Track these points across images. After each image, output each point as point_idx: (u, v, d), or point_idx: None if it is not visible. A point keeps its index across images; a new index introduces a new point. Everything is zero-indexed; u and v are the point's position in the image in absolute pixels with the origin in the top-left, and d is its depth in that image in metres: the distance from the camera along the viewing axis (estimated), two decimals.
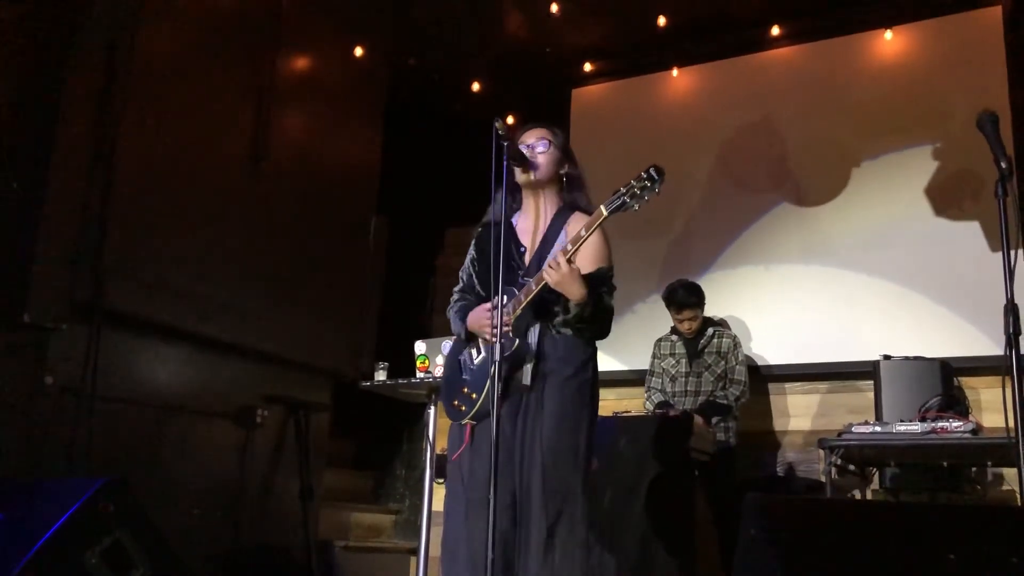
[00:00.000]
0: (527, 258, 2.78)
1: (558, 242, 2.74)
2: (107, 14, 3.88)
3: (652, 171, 2.47)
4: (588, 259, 2.69)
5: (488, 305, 2.69)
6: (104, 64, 3.86)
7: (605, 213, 2.53)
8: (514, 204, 2.89)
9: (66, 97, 3.72)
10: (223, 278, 4.34)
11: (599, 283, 2.69)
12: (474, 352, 2.80)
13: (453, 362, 2.87)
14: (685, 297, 4.63)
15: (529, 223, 2.85)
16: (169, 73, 4.16)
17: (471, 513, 2.63)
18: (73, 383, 3.68)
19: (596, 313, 2.66)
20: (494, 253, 2.57)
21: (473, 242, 2.98)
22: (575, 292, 2.59)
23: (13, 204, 3.60)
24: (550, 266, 2.56)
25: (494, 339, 2.54)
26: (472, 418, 2.70)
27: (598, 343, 2.80)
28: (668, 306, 4.70)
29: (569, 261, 2.56)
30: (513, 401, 2.65)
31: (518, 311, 2.65)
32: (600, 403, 2.80)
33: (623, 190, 2.50)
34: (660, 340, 4.82)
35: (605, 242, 2.77)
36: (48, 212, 3.60)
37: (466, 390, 2.75)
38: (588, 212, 2.76)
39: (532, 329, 2.69)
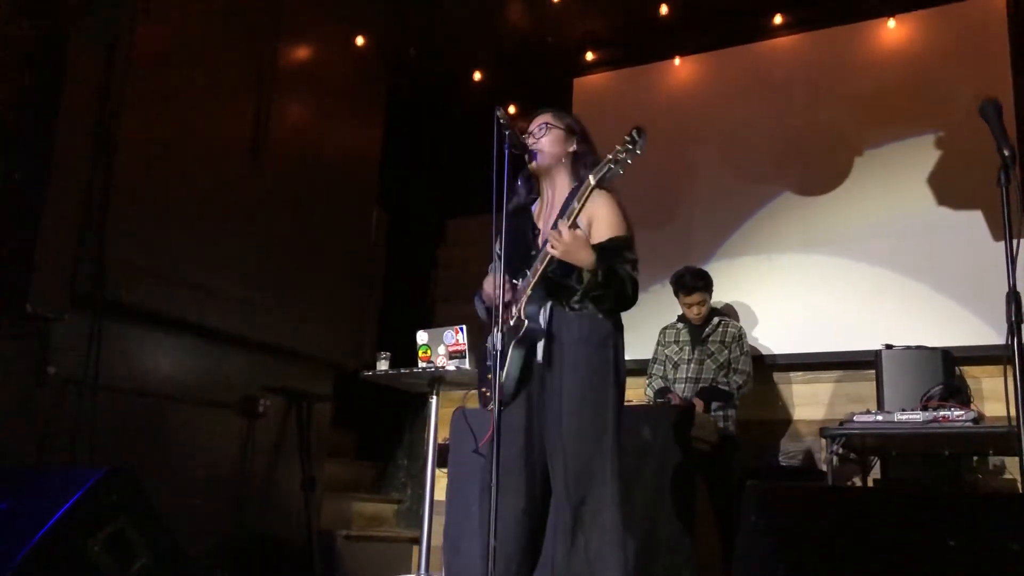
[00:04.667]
0: (540, 240, 2.78)
1: (560, 219, 2.74)
2: (108, 5, 3.88)
3: (634, 132, 2.50)
4: (602, 229, 2.68)
5: (492, 280, 2.72)
6: (105, 55, 3.86)
7: (593, 182, 2.55)
8: (532, 194, 2.92)
9: (67, 88, 3.72)
10: (224, 268, 4.34)
11: (612, 251, 2.66)
12: (494, 338, 2.80)
13: (482, 349, 2.86)
14: (693, 281, 4.63)
15: (544, 207, 2.86)
16: (169, 64, 4.15)
17: (483, 500, 2.62)
18: (75, 373, 3.70)
19: (609, 278, 2.60)
20: (503, 244, 2.59)
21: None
22: (583, 258, 2.57)
23: (15, 194, 3.61)
24: (553, 236, 2.55)
25: (509, 323, 2.60)
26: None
27: None
28: (676, 291, 4.70)
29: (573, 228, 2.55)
30: (533, 384, 2.64)
31: (528, 292, 2.64)
32: None
33: (609, 157, 2.53)
34: (665, 328, 4.82)
35: (618, 212, 2.74)
36: (50, 203, 3.61)
37: (489, 376, 2.75)
38: (599, 185, 2.74)
39: (544, 308, 2.68)
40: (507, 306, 2.70)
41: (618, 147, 2.52)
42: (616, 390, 2.66)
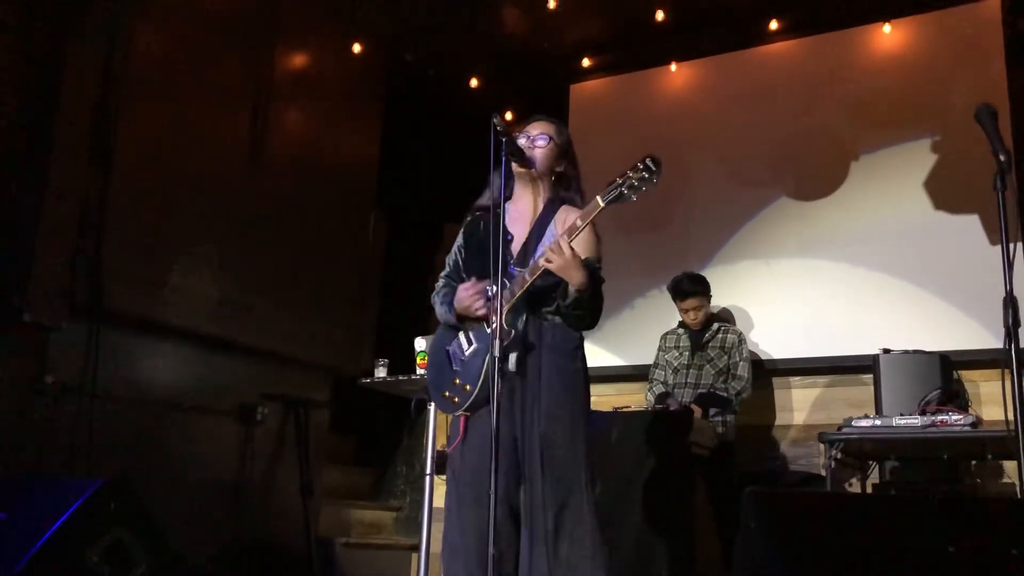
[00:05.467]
0: (514, 247, 2.77)
1: (548, 232, 2.73)
2: (105, 13, 3.88)
3: (649, 162, 2.44)
4: (580, 249, 2.66)
5: (469, 284, 2.71)
6: (102, 63, 3.86)
7: (602, 204, 2.50)
8: (505, 190, 2.88)
9: (64, 97, 3.72)
10: (222, 276, 4.34)
11: (593, 271, 2.67)
12: (464, 342, 2.78)
13: (440, 352, 2.85)
14: (690, 286, 4.63)
15: (519, 213, 2.83)
16: (167, 72, 4.16)
17: (461, 507, 2.63)
18: (73, 382, 3.69)
19: (594, 299, 2.64)
20: (492, 248, 2.56)
21: (462, 228, 2.97)
22: (576, 277, 2.57)
23: (12, 204, 3.61)
24: (552, 251, 2.54)
25: (491, 328, 2.55)
26: (466, 410, 2.70)
27: (598, 339, 2.79)
28: (674, 297, 4.70)
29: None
30: (506, 392, 2.64)
31: (512, 301, 2.64)
32: (600, 398, 2.80)
33: (620, 181, 2.48)
34: (666, 333, 4.82)
35: (595, 234, 2.76)
36: (47, 212, 3.61)
37: (458, 381, 2.74)
38: (578, 207, 2.75)
39: (520, 318, 2.68)
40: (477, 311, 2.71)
41: (629, 172, 2.46)
42: (584, 399, 2.72)
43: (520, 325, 2.67)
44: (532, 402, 2.62)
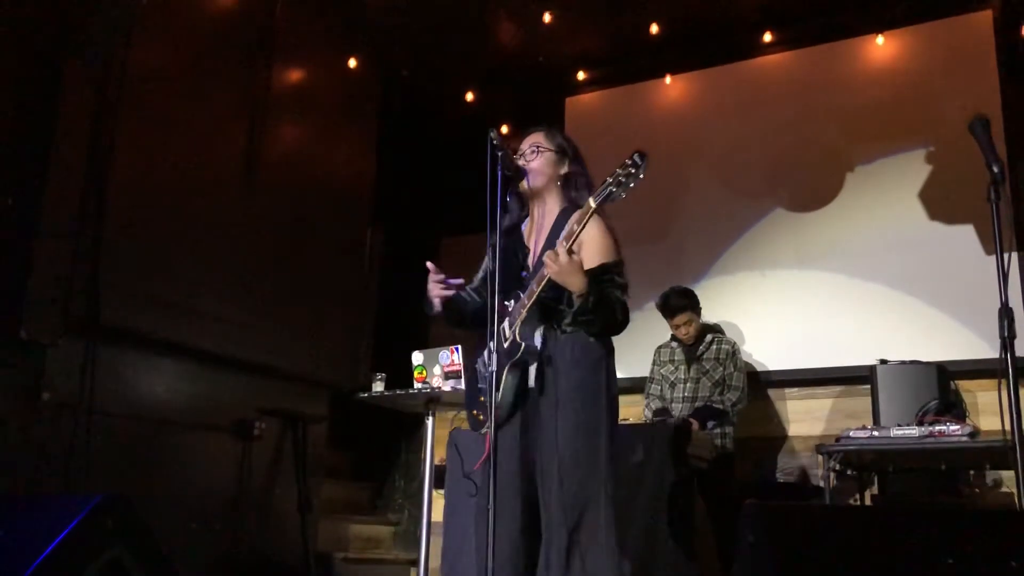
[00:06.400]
0: (531, 261, 2.77)
1: (559, 241, 2.73)
2: (101, 29, 3.89)
3: (636, 157, 2.46)
4: (592, 254, 2.66)
5: (435, 273, 2.82)
6: (99, 79, 3.87)
7: (593, 205, 2.52)
8: (523, 212, 2.90)
9: (61, 113, 3.72)
10: (219, 291, 4.34)
11: (604, 277, 2.66)
12: (487, 359, 2.76)
13: (471, 371, 2.84)
14: (677, 301, 4.63)
15: (535, 227, 2.85)
16: (163, 88, 4.17)
17: (480, 522, 2.60)
18: (70, 399, 3.68)
19: (600, 304, 2.60)
20: (491, 267, 2.57)
21: (489, 247, 2.98)
22: (575, 283, 2.56)
23: (8, 220, 3.60)
24: (549, 258, 2.53)
25: (506, 343, 2.55)
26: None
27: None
28: (663, 314, 4.70)
29: (570, 253, 2.53)
30: (526, 407, 2.63)
31: (523, 314, 2.63)
32: None
33: (609, 180, 2.49)
34: (660, 347, 4.82)
35: (609, 236, 2.73)
36: (43, 228, 3.60)
37: (483, 399, 2.71)
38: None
39: (537, 332, 2.67)
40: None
41: (618, 170, 2.48)
42: (608, 413, 2.66)
43: (536, 338, 2.66)
44: (551, 418, 2.59)
